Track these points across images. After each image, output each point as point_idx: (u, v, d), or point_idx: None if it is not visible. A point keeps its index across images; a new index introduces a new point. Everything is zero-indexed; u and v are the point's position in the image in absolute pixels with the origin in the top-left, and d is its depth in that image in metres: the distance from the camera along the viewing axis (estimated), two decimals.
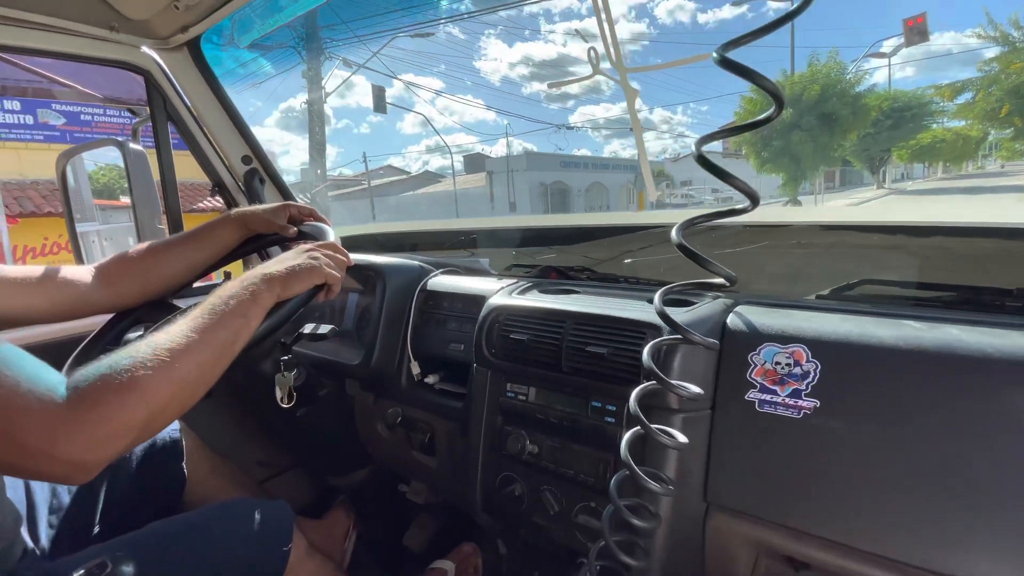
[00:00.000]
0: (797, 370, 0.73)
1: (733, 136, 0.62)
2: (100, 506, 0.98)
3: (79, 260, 1.59)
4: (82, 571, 0.63)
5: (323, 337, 1.07)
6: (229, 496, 1.19)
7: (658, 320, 0.82)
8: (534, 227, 1.59)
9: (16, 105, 8.66)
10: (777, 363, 0.75)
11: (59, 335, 1.22)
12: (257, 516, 0.89)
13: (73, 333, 1.20)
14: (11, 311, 0.83)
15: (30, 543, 0.85)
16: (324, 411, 1.27)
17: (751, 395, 0.75)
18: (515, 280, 1.18)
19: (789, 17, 0.51)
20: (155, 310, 0.99)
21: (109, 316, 1.01)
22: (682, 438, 0.70)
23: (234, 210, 1.03)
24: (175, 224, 1.52)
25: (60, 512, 0.94)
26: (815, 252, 1.23)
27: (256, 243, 1.06)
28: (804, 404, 0.71)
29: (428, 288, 1.23)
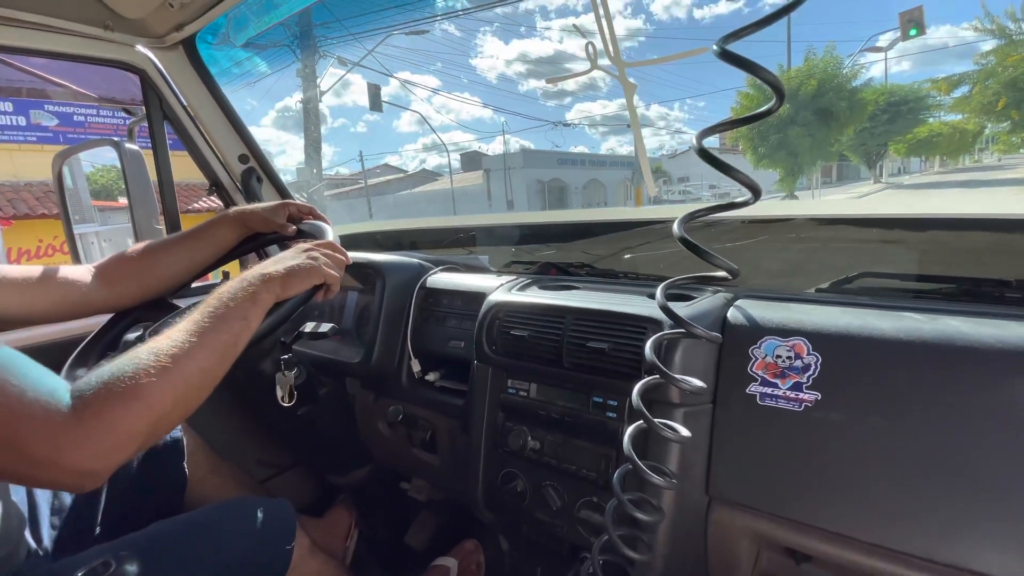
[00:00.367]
0: (798, 363, 0.73)
1: (734, 129, 0.62)
2: (102, 506, 0.98)
3: (76, 261, 1.59)
4: (85, 571, 0.63)
5: (324, 335, 1.06)
6: (230, 495, 1.19)
7: (659, 315, 0.82)
8: (533, 223, 1.59)
9: (9, 106, 8.62)
10: (778, 356, 0.75)
11: (58, 336, 1.21)
12: (260, 515, 0.89)
13: (72, 334, 1.20)
14: (10, 311, 0.83)
15: (33, 544, 0.85)
16: (325, 410, 1.27)
17: (752, 388, 0.75)
18: (515, 276, 1.18)
19: (789, 8, 0.50)
20: (154, 309, 0.99)
21: (108, 316, 1.00)
22: (685, 432, 0.70)
23: (232, 209, 1.02)
24: (172, 224, 1.52)
25: (62, 513, 0.94)
26: (814, 246, 1.23)
27: (255, 242, 1.06)
28: (805, 397, 0.72)
29: (428, 285, 1.23)
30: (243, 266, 1.45)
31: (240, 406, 1.48)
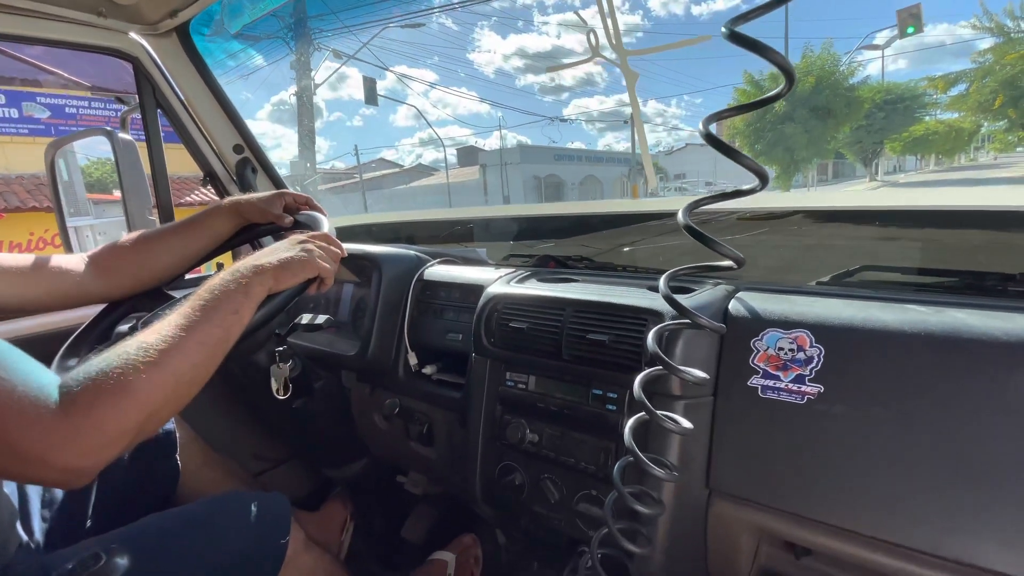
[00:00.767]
0: (800, 355, 0.72)
1: (741, 114, 0.60)
2: (93, 499, 0.97)
3: (69, 253, 1.57)
4: (75, 563, 0.62)
5: (319, 328, 1.05)
6: (223, 488, 1.18)
7: (659, 307, 0.81)
8: (531, 215, 1.58)
9: (0, 98, 8.54)
10: (780, 348, 0.74)
11: (51, 326, 1.20)
12: (254, 508, 0.88)
13: (65, 324, 1.18)
14: (5, 299, 0.82)
15: (24, 537, 0.84)
16: (320, 403, 1.25)
17: (754, 381, 0.75)
18: (513, 269, 1.17)
19: None
20: (148, 299, 0.98)
21: (100, 306, 0.99)
22: (687, 424, 0.69)
23: (228, 199, 1.01)
24: (166, 215, 1.50)
25: (53, 506, 0.93)
26: (814, 239, 1.23)
27: (250, 232, 1.05)
28: (807, 389, 0.71)
29: (425, 278, 1.22)
30: (235, 257, 1.43)
31: (234, 399, 1.47)
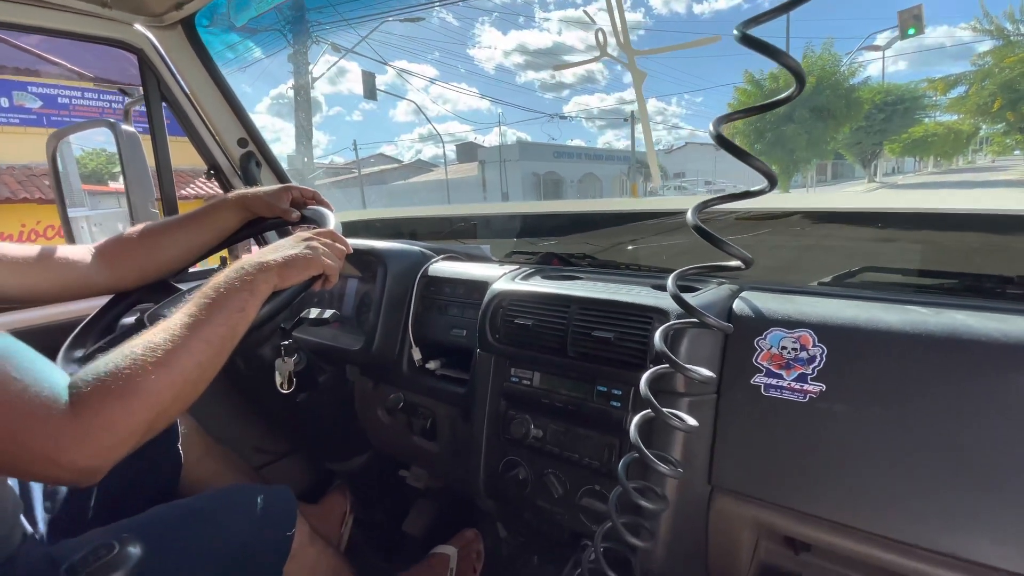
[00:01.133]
0: (803, 354, 0.73)
1: (752, 116, 0.61)
2: (95, 490, 0.98)
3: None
4: (85, 553, 0.62)
5: (325, 322, 1.06)
6: (225, 479, 1.19)
7: (665, 305, 0.82)
8: (535, 213, 1.59)
9: None
10: (783, 348, 0.75)
11: (56, 318, 1.20)
12: (260, 501, 0.89)
13: (72, 316, 1.18)
14: (11, 290, 0.82)
15: (29, 528, 0.85)
16: (324, 397, 1.26)
17: (757, 379, 0.76)
18: (517, 266, 1.18)
19: None
20: (155, 292, 0.98)
21: (106, 298, 0.99)
22: (692, 421, 0.70)
23: (234, 192, 1.01)
24: (170, 208, 1.50)
25: (55, 497, 0.93)
26: (814, 240, 1.24)
27: (256, 226, 1.05)
28: (810, 388, 0.72)
29: (429, 274, 1.23)
30: (231, 253, 1.43)
31: (238, 392, 1.48)
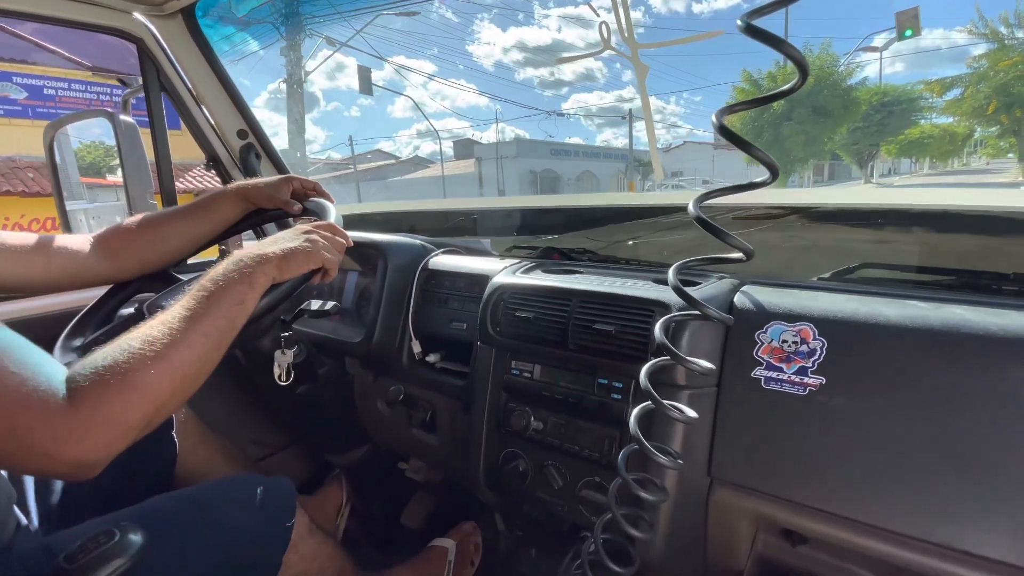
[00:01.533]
0: (804, 348, 0.74)
1: (754, 107, 0.62)
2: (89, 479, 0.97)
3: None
4: (83, 541, 0.62)
5: (326, 314, 1.05)
6: (221, 468, 1.19)
7: (666, 298, 0.82)
8: (536, 207, 1.59)
9: None
10: (784, 341, 0.76)
11: (55, 307, 1.19)
12: (260, 492, 0.89)
13: (71, 306, 1.18)
14: (10, 279, 0.81)
15: (23, 519, 0.84)
16: (323, 389, 1.26)
17: (757, 372, 0.76)
18: (517, 260, 1.18)
19: None
20: (155, 281, 0.98)
21: (105, 287, 0.99)
22: (692, 413, 0.70)
23: (235, 183, 1.00)
24: (169, 200, 1.49)
25: (48, 487, 0.93)
26: (813, 236, 1.24)
27: (257, 218, 1.05)
28: (810, 381, 0.72)
29: (430, 267, 1.23)
30: (225, 250, 1.42)
31: (237, 384, 1.47)
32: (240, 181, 1.01)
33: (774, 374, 0.75)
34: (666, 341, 0.71)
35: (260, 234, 1.60)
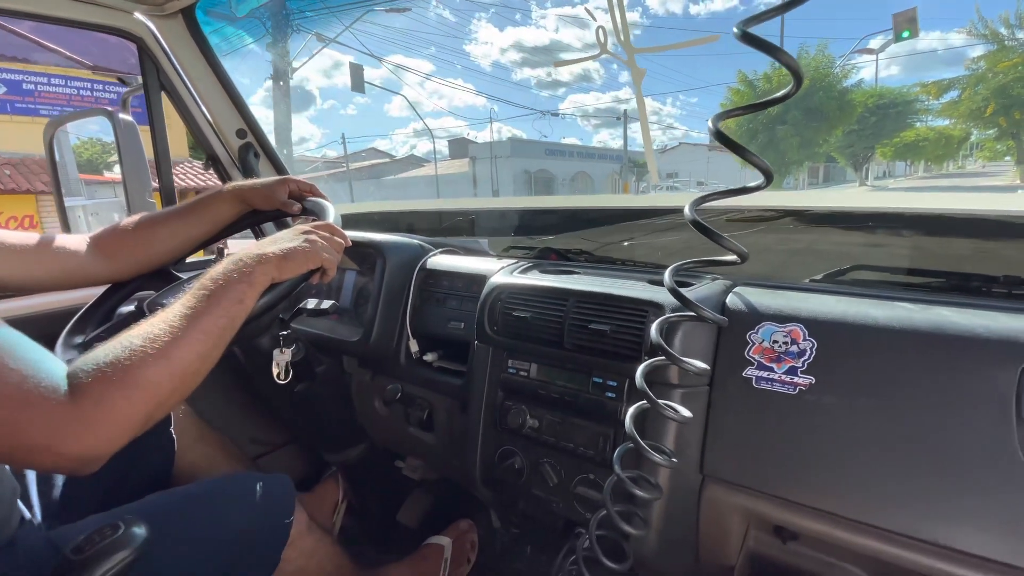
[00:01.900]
0: (794, 348, 0.76)
1: (750, 113, 0.63)
2: (89, 475, 0.98)
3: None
4: (90, 534, 0.63)
5: (324, 313, 1.06)
6: (219, 464, 1.19)
7: (660, 299, 0.84)
8: (533, 208, 1.60)
9: None
10: (775, 341, 0.77)
11: (54, 305, 1.20)
12: (259, 489, 0.90)
13: (67, 305, 1.18)
14: (6, 277, 0.82)
15: (27, 513, 0.85)
16: (321, 387, 1.27)
17: (749, 372, 0.78)
18: (515, 260, 1.19)
19: None
20: (154, 279, 0.99)
21: (104, 287, 1.00)
22: (686, 413, 0.72)
23: (231, 184, 1.01)
24: (168, 199, 1.50)
25: (50, 482, 0.93)
26: (806, 238, 1.26)
27: (254, 218, 1.06)
28: (800, 381, 0.74)
29: (428, 266, 1.24)
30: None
31: (235, 383, 1.48)
32: (236, 182, 1.02)
33: (765, 374, 0.77)
34: (661, 341, 0.72)
35: (258, 234, 1.61)
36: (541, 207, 1.65)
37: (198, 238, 1.01)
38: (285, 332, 1.08)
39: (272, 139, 1.60)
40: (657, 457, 0.71)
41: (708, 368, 0.76)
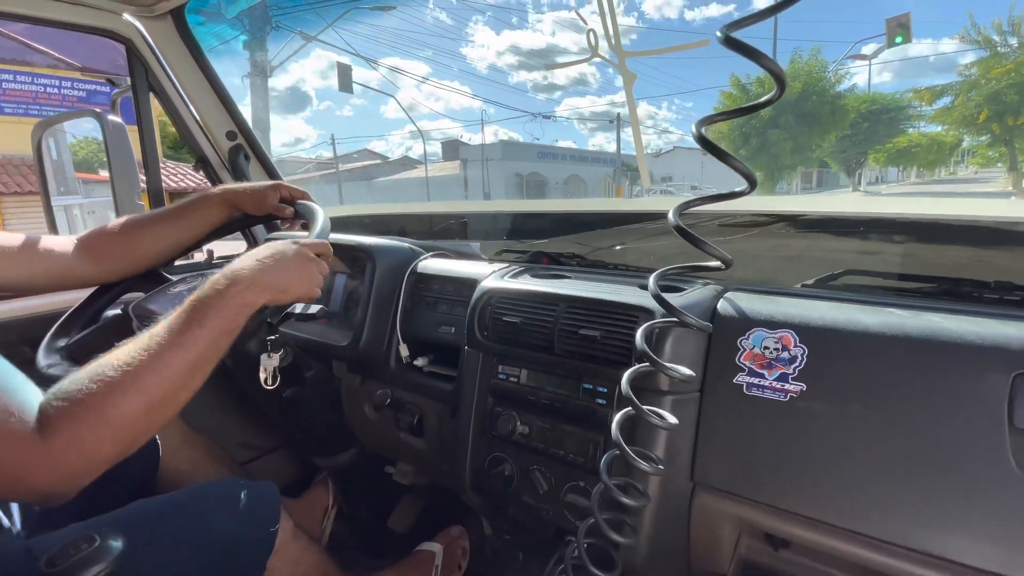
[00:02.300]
0: (785, 355, 0.75)
1: (734, 118, 0.63)
2: None
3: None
4: (65, 544, 0.62)
5: (313, 317, 1.05)
6: (204, 467, 1.18)
7: (650, 304, 0.83)
8: (525, 211, 1.59)
9: None
10: (766, 348, 0.77)
11: (42, 308, 1.18)
12: (244, 496, 0.88)
13: (56, 307, 1.17)
14: None
15: (5, 521, 0.83)
16: (310, 392, 1.26)
17: (739, 378, 0.77)
18: (506, 265, 1.19)
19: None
20: (142, 281, 0.97)
21: (90, 289, 0.98)
22: (672, 419, 0.71)
23: (221, 187, 1.00)
24: (157, 200, 1.49)
25: None
26: (797, 243, 1.26)
27: (243, 222, 1.04)
28: (791, 388, 0.73)
29: (419, 270, 1.23)
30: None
31: (223, 387, 1.46)
32: (226, 185, 1.01)
33: (756, 380, 0.76)
34: (646, 348, 0.72)
35: (250, 241, 1.59)
36: (532, 211, 1.65)
37: (186, 241, 1.00)
38: (273, 336, 1.07)
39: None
40: (642, 464, 0.70)
41: (693, 374, 0.75)
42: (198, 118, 1.51)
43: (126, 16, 1.34)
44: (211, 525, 0.84)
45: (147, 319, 0.89)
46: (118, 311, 0.97)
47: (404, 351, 1.20)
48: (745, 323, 0.79)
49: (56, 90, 9.82)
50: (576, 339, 0.88)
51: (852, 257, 1.14)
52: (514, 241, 1.46)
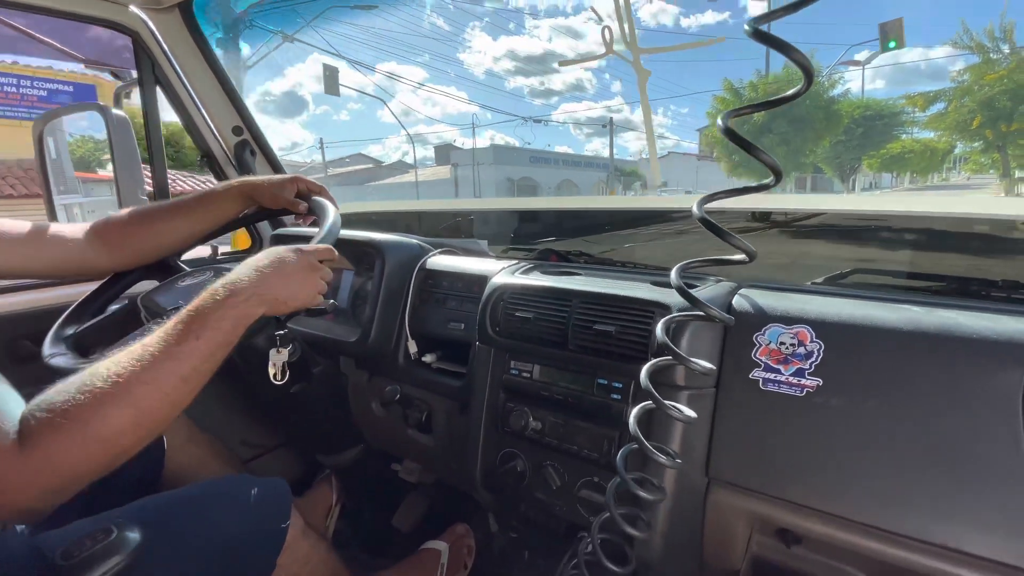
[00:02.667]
0: (801, 350, 0.75)
1: (760, 111, 0.63)
2: None
3: None
4: (79, 537, 0.61)
5: (321, 312, 1.04)
6: (209, 464, 1.17)
7: (666, 299, 0.83)
8: (532, 209, 1.60)
9: None
10: (782, 343, 0.77)
11: (53, 301, 1.17)
12: (255, 493, 0.88)
13: (66, 299, 1.16)
14: (8, 266, 0.80)
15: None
16: (317, 388, 1.25)
17: (755, 374, 0.77)
18: (515, 261, 1.18)
19: None
20: (153, 271, 0.97)
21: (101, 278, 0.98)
22: (691, 413, 0.71)
23: (238, 180, 0.99)
24: (161, 196, 1.47)
25: None
26: (806, 241, 1.27)
27: (258, 215, 1.04)
28: (807, 383, 0.74)
29: (428, 267, 1.22)
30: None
31: (227, 383, 1.45)
32: (244, 177, 1.00)
33: (772, 375, 0.76)
34: (667, 340, 0.72)
35: (254, 236, 1.59)
36: (540, 208, 1.65)
37: (199, 233, 0.99)
38: (281, 331, 1.06)
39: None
40: (661, 458, 0.70)
41: (714, 368, 0.76)
42: (204, 112, 1.50)
43: (133, 8, 1.33)
44: (222, 521, 0.83)
45: (154, 311, 0.89)
46: (126, 302, 0.96)
47: (413, 347, 1.20)
48: (761, 318, 0.79)
49: (15, 89, 9.44)
50: (591, 334, 0.88)
51: (861, 256, 1.15)
52: (522, 238, 1.46)
